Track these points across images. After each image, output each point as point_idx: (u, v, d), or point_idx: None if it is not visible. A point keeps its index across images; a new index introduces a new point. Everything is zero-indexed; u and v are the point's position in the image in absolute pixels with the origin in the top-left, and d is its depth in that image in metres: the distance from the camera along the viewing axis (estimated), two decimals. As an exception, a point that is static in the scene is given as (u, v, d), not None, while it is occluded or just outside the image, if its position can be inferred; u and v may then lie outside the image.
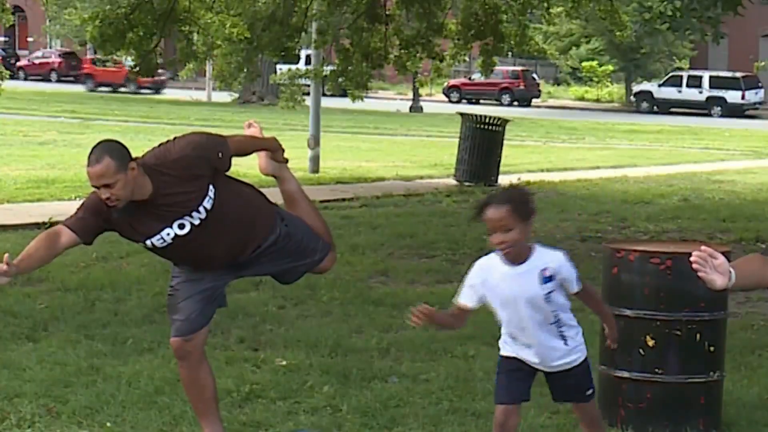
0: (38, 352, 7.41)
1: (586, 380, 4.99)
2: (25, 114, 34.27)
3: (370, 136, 31.56)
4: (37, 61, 59.73)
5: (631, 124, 39.88)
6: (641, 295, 6.09)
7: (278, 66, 36.98)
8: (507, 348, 4.96)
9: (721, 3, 15.86)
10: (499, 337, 5.01)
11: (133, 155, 5.13)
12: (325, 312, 8.96)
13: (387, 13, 16.94)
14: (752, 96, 48.48)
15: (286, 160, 5.74)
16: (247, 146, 5.56)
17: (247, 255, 5.42)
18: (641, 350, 6.10)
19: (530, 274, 4.78)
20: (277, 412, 6.35)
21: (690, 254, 5.97)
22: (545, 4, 17.19)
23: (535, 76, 54.63)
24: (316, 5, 16.85)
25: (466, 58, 19.44)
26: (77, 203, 5.32)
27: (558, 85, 59.14)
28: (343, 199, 16.37)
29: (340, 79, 17.22)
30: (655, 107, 49.40)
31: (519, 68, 53.41)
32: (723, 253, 3.84)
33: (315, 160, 20.43)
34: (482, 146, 19.10)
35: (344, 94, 18.33)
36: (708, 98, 48.50)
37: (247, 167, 9.34)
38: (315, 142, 20.56)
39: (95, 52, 44.38)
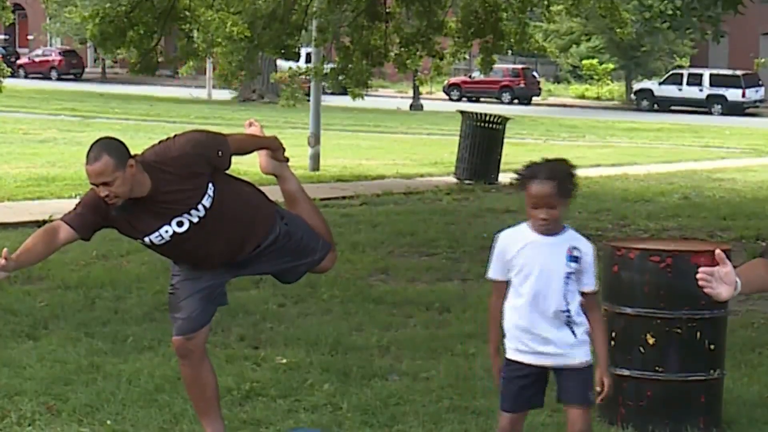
0: (38, 350, 7.41)
1: (588, 383, 4.88)
2: (25, 112, 34.29)
3: (370, 134, 31.56)
4: (37, 59, 59.74)
5: (631, 122, 39.89)
6: (641, 293, 6.09)
7: (278, 64, 36.94)
8: (513, 349, 4.83)
9: (721, 2, 15.85)
10: (499, 345, 4.89)
11: (132, 152, 5.12)
12: (326, 310, 8.96)
13: (387, 11, 16.95)
14: (752, 94, 48.47)
15: (287, 159, 5.73)
16: (247, 145, 5.56)
17: (247, 254, 5.41)
18: (641, 348, 6.10)
19: (559, 248, 4.72)
20: (278, 410, 6.35)
21: (691, 252, 6.01)
22: (545, 2, 17.20)
23: (535, 74, 54.61)
24: (316, 3, 16.86)
25: (466, 56, 19.42)
26: (77, 202, 5.32)
27: (558, 83, 59.12)
28: (344, 197, 16.37)
29: (340, 77, 17.23)
30: (655, 105, 49.41)
31: (519, 66, 53.39)
32: (723, 251, 3.84)
33: (315, 158, 20.43)
34: (482, 144, 19.10)
35: (344, 92, 18.32)
36: (708, 96, 48.50)
37: (247, 165, 9.35)
38: (315, 140, 20.56)
39: (95, 50, 44.36)
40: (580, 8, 17.43)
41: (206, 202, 5.18)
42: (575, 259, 4.73)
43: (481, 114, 19.90)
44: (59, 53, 60.23)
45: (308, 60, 26.27)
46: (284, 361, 7.35)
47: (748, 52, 52.99)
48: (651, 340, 6.06)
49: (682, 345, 6.08)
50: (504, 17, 16.99)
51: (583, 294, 4.79)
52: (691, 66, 52.74)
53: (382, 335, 8.14)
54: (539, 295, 4.74)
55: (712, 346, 6.14)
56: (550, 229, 4.72)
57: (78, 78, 58.13)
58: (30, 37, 66.68)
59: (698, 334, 6.08)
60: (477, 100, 50.47)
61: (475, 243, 12.00)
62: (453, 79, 52.43)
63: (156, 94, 44.44)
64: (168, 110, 37.80)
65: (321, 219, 5.79)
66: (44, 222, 12.87)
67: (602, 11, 17.28)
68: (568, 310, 4.75)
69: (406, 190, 17.65)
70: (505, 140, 19.81)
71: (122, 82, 53.48)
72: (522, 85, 52.38)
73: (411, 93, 47.50)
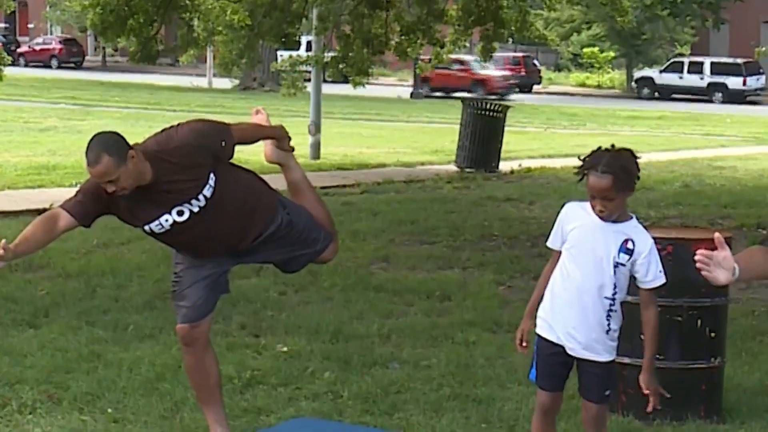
0: (39, 339, 7.42)
1: (610, 380, 4.87)
2: (25, 100, 34.25)
3: (371, 122, 31.55)
4: (37, 48, 59.65)
5: (632, 111, 39.85)
6: (642, 281, 6.08)
7: (279, 53, 36.93)
8: (545, 326, 4.78)
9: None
10: (536, 309, 4.85)
11: (132, 142, 5.11)
12: (326, 298, 8.96)
13: (387, -1, 16.93)
14: (753, 82, 48.41)
15: (292, 149, 5.72)
16: (251, 134, 5.54)
17: (248, 243, 5.39)
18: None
19: (614, 235, 4.68)
20: (278, 398, 6.36)
21: (691, 240, 6.01)
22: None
23: (536, 62, 54.54)
24: (316, -9, 16.83)
25: (467, 44, 19.40)
26: (77, 188, 5.32)
27: (559, 71, 59.04)
28: (344, 186, 16.37)
29: (341, 66, 17.22)
30: (656, 93, 49.35)
31: (520, 54, 53.32)
32: (724, 239, 3.83)
33: (316, 147, 20.42)
34: (483, 133, 19.08)
35: (345, 81, 18.31)
36: (709, 84, 48.43)
37: (249, 153, 9.34)
38: (316, 129, 20.55)
39: (96, 39, 44.32)
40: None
41: (207, 192, 5.17)
42: (628, 252, 4.69)
43: (482, 102, 19.89)
44: (59, 42, 60.15)
45: (309, 48, 26.25)
46: (285, 349, 7.36)
47: (749, 41, 52.91)
48: (652, 328, 6.05)
49: (683, 333, 6.09)
50: (504, 5, 16.96)
51: (643, 289, 4.77)
52: (692, 54, 52.66)
53: (383, 323, 8.14)
54: (581, 278, 4.70)
55: (712, 334, 6.14)
56: (607, 217, 4.68)
57: (78, 66, 58.05)
58: (30, 26, 66.62)
59: (699, 322, 6.09)
60: (478, 89, 50.39)
61: (475, 231, 12.00)
62: (454, 68, 52.34)
63: (156, 83, 44.43)
64: (168, 99, 37.78)
65: (324, 209, 5.78)
66: (44, 210, 12.86)
67: (603, -1, 17.25)
68: (612, 298, 4.72)
69: (407, 178, 17.64)
70: (506, 128, 19.80)
71: (123, 70, 53.44)
72: (523, 74, 52.31)
73: (412, 81, 47.45)
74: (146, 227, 5.23)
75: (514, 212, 13.98)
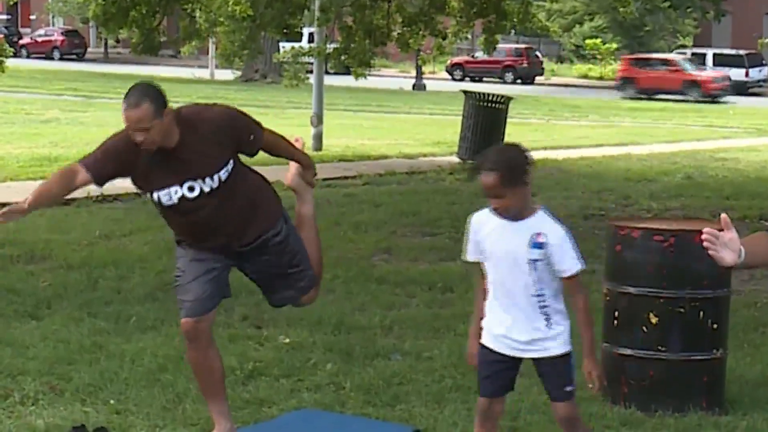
0: (41, 330, 7.41)
1: (566, 375, 4.76)
2: (27, 92, 34.23)
3: (373, 114, 31.52)
4: (39, 39, 59.60)
5: (634, 102, 39.79)
6: (644, 272, 6.08)
7: (281, 44, 36.89)
8: (488, 335, 4.78)
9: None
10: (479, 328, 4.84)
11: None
12: (328, 290, 8.94)
13: (389, -10, 16.90)
14: (756, 74, 48.33)
15: (313, 184, 5.69)
16: (281, 146, 5.50)
17: (247, 241, 5.35)
18: (644, 328, 6.10)
19: (522, 233, 4.63)
20: (281, 389, 6.36)
21: (694, 232, 6.00)
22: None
23: (538, 53, 54.46)
24: (318, -17, 16.81)
25: (468, 36, 19.40)
26: (98, 145, 5.29)
27: (561, 62, 58.95)
28: (346, 177, 16.36)
29: (342, 57, 17.19)
30: (659, 85, 49.25)
31: (522, 46, 53.25)
32: None
33: (318, 138, 20.41)
34: (485, 124, 19.06)
35: (347, 72, 18.30)
36: (712, 76, 48.32)
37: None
38: (318, 120, 20.53)
39: (98, 30, 44.29)
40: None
41: (223, 174, 5.18)
42: (540, 245, 4.62)
43: (484, 94, 19.86)
44: (61, 33, 60.11)
45: (311, 40, 26.21)
46: (287, 340, 7.36)
47: (751, 32, 52.83)
48: (654, 320, 6.06)
49: (685, 324, 6.08)
50: (507, -4, 16.93)
51: (562, 279, 4.69)
52: (694, 46, 52.58)
53: (385, 315, 8.14)
54: (505, 282, 4.69)
55: (714, 326, 6.14)
56: (507, 215, 4.64)
57: (80, 58, 57.99)
58: (32, 17, 66.57)
59: (701, 313, 6.08)
60: (480, 80, 50.35)
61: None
62: (456, 59, 52.26)
63: (158, 74, 44.32)
64: (170, 90, 37.26)
65: (319, 253, 5.70)
66: (47, 202, 12.88)
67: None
68: (540, 295, 4.67)
69: (409, 169, 17.63)
70: (508, 120, 19.78)
71: (125, 62, 53.41)
72: (525, 65, 52.24)
73: (414, 73, 47.41)
74: (155, 195, 5.21)
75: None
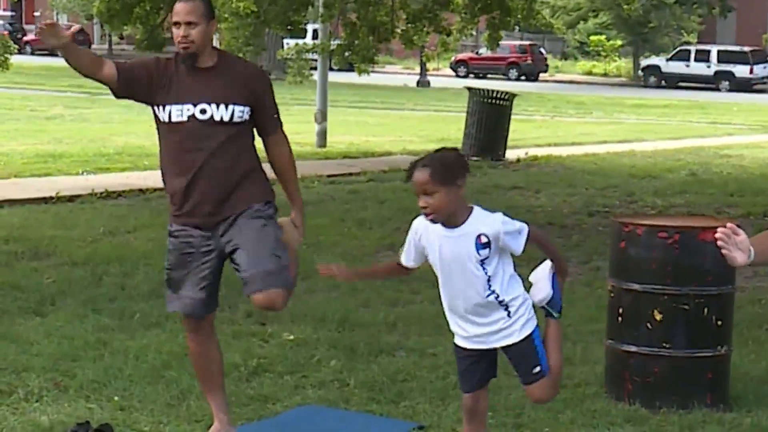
0: (45, 327, 7.41)
1: (532, 357, 4.78)
2: (31, 89, 34.26)
3: (377, 110, 31.51)
4: (43, 36, 59.50)
5: (638, 99, 39.78)
6: (649, 269, 6.07)
7: (285, 41, 36.91)
8: (457, 336, 4.84)
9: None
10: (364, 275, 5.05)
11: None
12: (332, 286, 8.95)
13: (394, -14, 16.87)
14: (760, 70, 48.29)
15: (301, 234, 5.49)
16: (283, 157, 5.45)
17: (233, 205, 5.28)
18: (649, 324, 6.09)
19: (466, 239, 4.63)
20: (285, 386, 6.35)
21: (698, 228, 6.01)
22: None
23: (542, 50, 54.45)
24: (322, -21, 16.77)
25: (473, 32, 19.36)
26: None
27: (566, 59, 58.93)
28: (350, 174, 16.35)
29: (346, 54, 17.17)
30: (662, 82, 49.27)
31: (526, 43, 53.24)
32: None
33: (322, 135, 20.41)
34: (490, 121, 19.05)
35: (351, 69, 18.28)
36: (716, 73, 48.33)
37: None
38: (322, 117, 20.52)
39: (102, 27, 44.27)
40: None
41: (237, 113, 5.25)
42: (485, 245, 4.63)
43: (488, 90, 19.84)
44: (66, 30, 60.01)
45: (315, 37, 26.20)
46: (291, 337, 7.36)
47: (756, 29, 52.78)
48: (658, 317, 6.05)
49: (690, 321, 6.07)
50: (511, -7, 16.90)
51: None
52: (698, 42, 52.55)
53: (389, 311, 8.14)
54: (459, 290, 4.71)
55: (719, 323, 6.13)
56: (443, 218, 4.63)
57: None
58: (36, 14, 66.50)
59: (705, 310, 6.07)
60: (484, 77, 50.35)
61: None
62: (460, 56, 52.27)
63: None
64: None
65: (296, 265, 5.52)
66: (51, 198, 12.89)
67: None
68: (493, 292, 4.69)
69: (413, 166, 17.60)
70: (513, 117, 19.77)
71: (129, 58, 53.29)
72: (529, 62, 52.24)
73: (418, 69, 47.38)
74: (168, 108, 5.27)
75: (520, 200, 13.96)
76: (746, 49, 48.50)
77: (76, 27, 5.28)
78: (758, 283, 9.48)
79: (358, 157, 18.75)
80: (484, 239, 4.64)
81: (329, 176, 15.86)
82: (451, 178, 4.60)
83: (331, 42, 17.90)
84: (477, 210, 4.69)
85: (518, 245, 4.69)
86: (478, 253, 4.63)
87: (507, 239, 4.66)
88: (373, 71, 18.24)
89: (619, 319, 6.21)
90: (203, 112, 5.25)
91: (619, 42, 54.40)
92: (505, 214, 4.77)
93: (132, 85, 5.31)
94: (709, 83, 47.89)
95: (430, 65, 45.98)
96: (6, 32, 38.49)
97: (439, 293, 4.88)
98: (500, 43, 18.26)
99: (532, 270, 4.93)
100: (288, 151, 5.49)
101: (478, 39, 36.62)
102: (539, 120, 29.51)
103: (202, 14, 5.23)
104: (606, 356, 6.39)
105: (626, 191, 15.06)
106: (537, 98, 37.70)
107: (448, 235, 4.66)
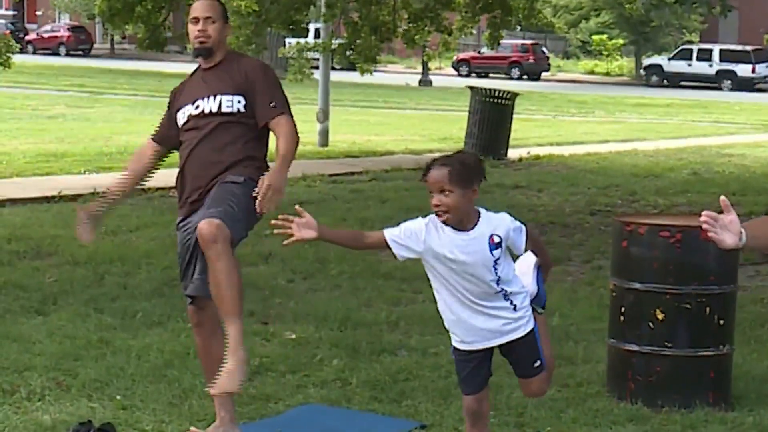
0: (48, 326, 7.41)
1: (535, 350, 4.80)
2: (33, 88, 34.24)
3: (379, 110, 31.50)
4: (45, 35, 59.61)
5: (640, 98, 39.77)
6: (651, 268, 6.07)
7: (287, 40, 36.88)
8: (455, 338, 4.82)
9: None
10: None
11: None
12: (335, 285, 8.96)
13: (396, -14, 16.87)
14: (763, 69, 48.27)
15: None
16: (282, 134, 5.40)
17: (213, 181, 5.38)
18: (651, 324, 6.08)
19: (480, 241, 4.62)
20: (287, 385, 6.35)
21: (700, 228, 5.99)
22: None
23: (544, 49, 54.44)
24: (324, -22, 16.77)
25: (474, 31, 19.36)
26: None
27: (568, 58, 58.94)
28: (353, 173, 16.35)
29: (348, 53, 17.16)
30: (665, 81, 49.25)
31: (528, 42, 53.23)
32: None
33: (324, 134, 20.40)
34: (492, 120, 19.04)
35: (353, 68, 18.27)
36: (718, 72, 48.32)
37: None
38: (324, 116, 20.52)
39: (104, 26, 44.29)
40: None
41: (225, 101, 5.36)
42: (497, 245, 4.63)
43: (490, 90, 19.84)
44: (68, 29, 60.08)
45: (317, 36, 26.20)
46: (293, 336, 7.35)
47: (758, 28, 52.73)
48: (660, 316, 6.05)
49: (692, 320, 6.06)
50: (512, -8, 16.90)
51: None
52: (700, 41, 52.55)
53: (391, 311, 8.13)
54: (471, 293, 4.68)
55: (721, 322, 6.12)
56: (454, 220, 4.60)
57: (86, 54, 57.95)
58: (38, 13, 66.62)
59: (707, 309, 6.06)
60: (486, 76, 50.32)
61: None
62: (462, 55, 52.29)
63: (165, 70, 44.30)
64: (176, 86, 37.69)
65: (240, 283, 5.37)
66: (53, 198, 12.89)
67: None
68: (502, 290, 4.69)
69: (416, 165, 17.56)
70: (515, 116, 19.76)
71: (131, 57, 53.39)
72: (531, 61, 52.23)
73: (420, 69, 47.37)
74: (178, 115, 5.49)
75: (522, 200, 13.96)
76: (748, 48, 48.47)
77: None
78: (760, 282, 9.48)
79: (360, 157, 18.75)
80: (496, 239, 4.63)
81: (331, 175, 15.86)
82: (468, 181, 4.60)
83: (333, 41, 17.90)
84: (483, 212, 4.69)
85: (522, 243, 4.72)
86: (492, 254, 4.62)
87: (514, 237, 4.68)
88: (375, 70, 18.25)
89: (621, 318, 6.20)
90: (197, 107, 5.44)
91: (621, 41, 54.39)
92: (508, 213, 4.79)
93: (170, 126, 5.57)
94: (711, 82, 47.88)
95: (432, 64, 46.03)
96: (8, 31, 38.52)
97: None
98: (502, 42, 18.28)
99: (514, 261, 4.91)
100: (288, 136, 5.37)
101: (480, 38, 36.62)
102: (541, 119, 29.49)
103: (219, 13, 5.49)
104: (608, 355, 6.38)
105: (628, 190, 15.05)
106: (539, 97, 37.68)
107: (462, 239, 4.63)
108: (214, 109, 5.38)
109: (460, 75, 51.15)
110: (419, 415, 5.90)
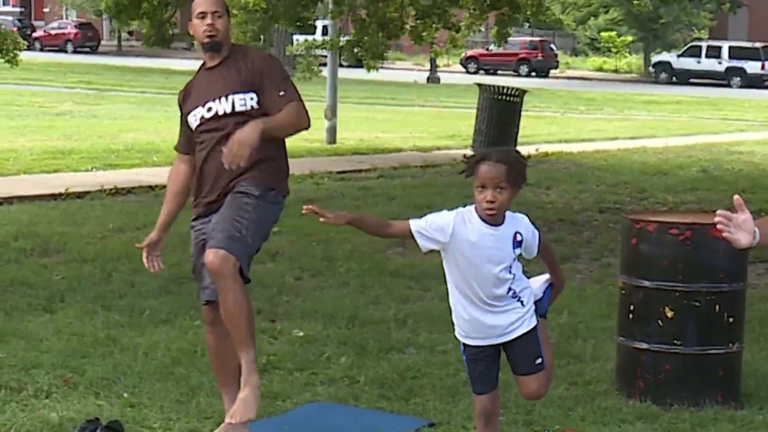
0: (55, 323, 7.40)
1: (537, 347, 4.81)
2: (41, 85, 34.26)
3: (387, 107, 31.47)
4: (52, 32, 59.66)
5: (649, 95, 39.70)
6: (660, 266, 6.05)
7: (294, 37, 36.89)
8: (463, 334, 4.82)
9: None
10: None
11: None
12: (343, 283, 8.94)
13: (403, -17, 16.83)
14: (772, 66, 48.17)
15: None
16: (288, 117, 5.39)
17: (229, 182, 5.33)
18: (660, 321, 6.06)
19: (506, 238, 4.65)
20: (294, 383, 6.34)
21: (709, 225, 5.96)
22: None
23: (553, 46, 54.36)
24: (332, -25, 16.74)
25: (482, 28, 19.31)
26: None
27: (576, 55, 58.86)
28: (360, 170, 16.34)
29: (356, 50, 17.14)
30: (673, 78, 49.17)
31: (537, 39, 53.16)
32: None
33: (332, 131, 20.38)
34: (500, 117, 19.01)
35: (361, 65, 18.25)
36: (727, 69, 48.22)
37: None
38: (332, 113, 20.50)
39: (111, 23, 44.31)
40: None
41: (239, 100, 5.32)
42: (519, 244, 4.68)
43: (498, 87, 19.80)
44: (75, 26, 60.14)
45: (324, 33, 26.18)
46: (301, 334, 7.34)
47: (767, 25, 52.60)
48: (669, 314, 6.03)
49: (701, 318, 6.04)
50: (520, -11, 16.86)
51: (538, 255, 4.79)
52: (710, 38, 52.43)
53: (399, 308, 8.11)
54: (484, 291, 4.68)
55: (730, 320, 6.10)
56: (494, 215, 4.61)
57: (94, 51, 58.00)
58: (45, 10, 66.67)
59: (717, 307, 6.04)
60: (494, 73, 50.30)
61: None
62: (470, 52, 52.24)
63: (172, 67, 44.29)
64: (184, 83, 37.64)
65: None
66: (60, 195, 12.88)
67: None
68: (510, 289, 4.70)
69: (423, 163, 17.60)
70: (523, 113, 19.73)
71: (138, 54, 53.43)
72: (539, 58, 52.17)
73: (428, 66, 47.33)
74: (189, 118, 5.47)
75: (530, 197, 13.91)
76: (758, 45, 48.35)
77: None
78: (770, 279, 9.44)
79: (368, 154, 18.73)
80: (519, 237, 4.67)
81: (339, 173, 15.85)
82: (520, 180, 4.65)
83: (341, 38, 17.87)
84: (507, 211, 4.71)
85: (535, 248, 4.76)
86: (513, 252, 4.66)
87: (530, 238, 4.72)
88: (382, 67, 18.23)
89: (630, 316, 6.18)
90: (209, 110, 5.39)
91: (629, 38, 54.30)
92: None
93: (187, 134, 5.54)
94: (721, 79, 47.79)
95: (440, 61, 45.94)
96: (15, 28, 38.54)
97: (446, 291, 4.85)
98: (510, 39, 18.25)
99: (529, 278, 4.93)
100: (291, 109, 5.37)
101: (488, 35, 36.62)
102: (549, 116, 29.45)
103: (224, 8, 5.48)
104: (617, 353, 6.36)
105: (637, 188, 15.02)
106: (547, 94, 37.64)
107: (491, 233, 4.64)
108: (228, 110, 5.34)
109: (468, 72, 51.12)
110: (427, 413, 5.88)
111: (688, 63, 49.06)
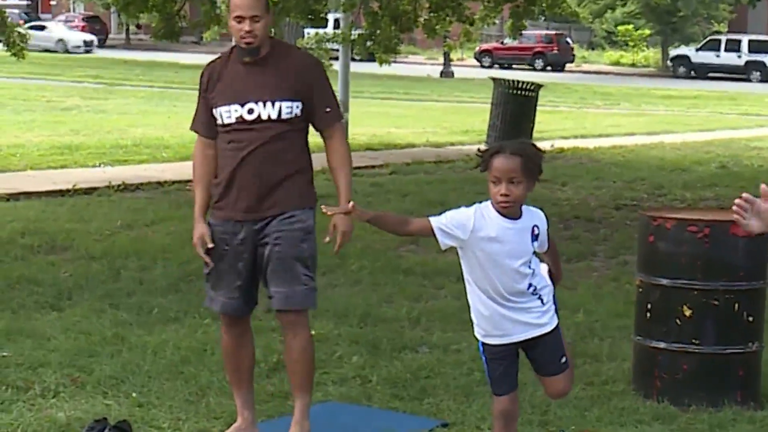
0: (62, 322, 7.36)
1: (562, 346, 4.76)
2: (48, 79, 34.22)
3: (400, 101, 31.44)
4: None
5: (667, 90, 39.63)
6: (678, 264, 5.98)
7: (306, 31, 36.78)
8: (483, 332, 4.73)
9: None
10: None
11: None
12: (355, 281, 8.87)
13: (416, -25, 16.74)
14: (792, 61, 47.99)
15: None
16: (335, 147, 5.39)
17: (270, 212, 5.21)
18: (678, 320, 5.99)
19: (525, 232, 4.62)
20: (305, 382, 6.25)
21: (728, 222, 5.85)
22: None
23: (569, 40, 54.22)
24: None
25: (496, 21, 19.21)
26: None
27: (592, 49, 58.71)
28: (373, 166, 16.27)
29: (368, 44, 17.04)
30: (692, 72, 49.05)
31: (552, 32, 53.03)
32: None
33: (344, 127, 20.29)
34: (515, 112, 18.91)
35: (373, 59, 18.16)
36: (747, 63, 48.06)
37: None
38: (344, 108, 20.41)
39: (119, 16, 44.32)
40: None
41: (285, 109, 5.14)
42: (536, 237, 4.66)
43: (513, 81, 19.70)
44: (82, 19, 60.05)
45: (336, 27, 26.07)
46: (313, 332, 7.21)
47: (786, 18, 52.41)
48: (688, 312, 5.97)
49: (720, 317, 5.98)
50: (536, -19, 16.77)
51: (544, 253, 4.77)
52: (729, 32, 52.25)
53: (412, 307, 8.05)
54: (504, 287, 4.62)
55: (750, 318, 6.03)
56: (510, 208, 4.56)
57: (101, 44, 57.96)
58: (53, 3, 66.74)
59: (736, 305, 5.98)
60: (509, 67, 50.19)
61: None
62: (484, 46, 52.14)
63: (181, 61, 44.20)
64: (193, 77, 37.44)
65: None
66: (68, 191, 12.82)
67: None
68: (530, 285, 4.66)
69: (437, 158, 17.52)
70: (538, 108, 19.64)
71: (146, 48, 53.42)
72: (555, 52, 52.03)
73: (441, 60, 47.26)
74: (218, 111, 5.21)
75: (546, 193, 13.80)
76: (777, 39, 48.19)
77: None
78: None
79: (381, 149, 18.68)
80: (536, 230, 4.65)
81: (351, 168, 15.75)
82: (536, 173, 4.60)
83: (353, 31, 17.77)
84: (524, 205, 4.68)
85: (546, 242, 4.74)
86: (532, 245, 4.63)
87: (544, 232, 4.70)
88: (395, 62, 18.15)
89: (648, 314, 6.12)
90: (250, 111, 5.18)
91: (647, 31, 54.15)
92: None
93: (209, 113, 5.29)
94: (740, 73, 47.61)
95: (454, 55, 45.87)
96: (22, 21, 38.50)
97: (464, 289, 4.77)
98: (526, 32, 18.15)
99: None
100: (342, 151, 5.40)
101: (503, 28, 36.51)
102: (565, 111, 29.38)
103: (263, 7, 5.16)
104: (634, 353, 6.30)
105: (655, 184, 14.92)
106: (563, 89, 37.56)
107: (509, 227, 4.60)
108: (274, 116, 5.15)
109: (482, 66, 51.01)
110: (441, 413, 5.83)
111: (707, 57, 48.91)
